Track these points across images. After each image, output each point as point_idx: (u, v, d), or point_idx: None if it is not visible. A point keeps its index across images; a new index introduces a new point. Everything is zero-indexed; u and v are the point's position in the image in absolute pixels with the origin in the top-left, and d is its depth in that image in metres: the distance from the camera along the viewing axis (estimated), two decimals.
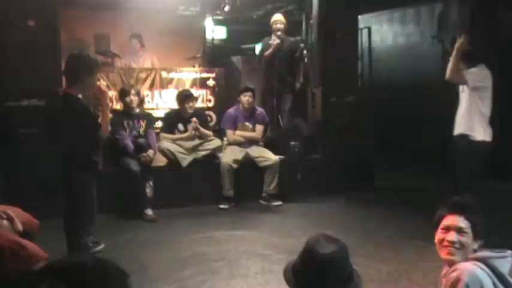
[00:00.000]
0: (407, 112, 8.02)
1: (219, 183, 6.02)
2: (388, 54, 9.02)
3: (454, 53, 4.68)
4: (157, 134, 6.22)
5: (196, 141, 6.16)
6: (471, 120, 4.65)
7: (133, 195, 5.53)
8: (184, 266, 4.07)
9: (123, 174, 5.55)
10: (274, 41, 6.82)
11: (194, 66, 7.98)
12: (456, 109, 4.82)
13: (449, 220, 2.20)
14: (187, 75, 7.41)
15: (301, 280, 1.73)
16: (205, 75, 7.49)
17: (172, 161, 6.01)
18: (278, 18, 7.00)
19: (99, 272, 1.23)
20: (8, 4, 5.39)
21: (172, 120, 6.27)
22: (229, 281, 3.80)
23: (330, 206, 6.06)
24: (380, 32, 9.19)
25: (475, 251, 2.15)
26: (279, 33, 6.85)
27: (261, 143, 6.50)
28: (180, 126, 6.23)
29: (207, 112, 7.16)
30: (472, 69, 4.64)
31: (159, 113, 6.85)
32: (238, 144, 6.33)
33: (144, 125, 5.91)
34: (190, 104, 6.23)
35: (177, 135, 6.19)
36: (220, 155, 6.28)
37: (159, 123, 6.58)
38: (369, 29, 9.17)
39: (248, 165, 6.18)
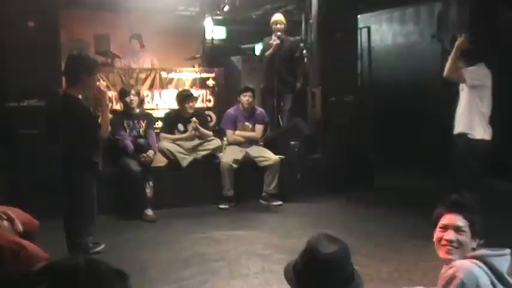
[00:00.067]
0: (407, 111, 8.02)
1: (219, 183, 6.02)
2: (388, 53, 9.01)
3: (453, 51, 4.69)
4: (157, 134, 6.22)
5: (196, 141, 6.16)
6: (471, 119, 4.66)
7: (134, 196, 5.53)
8: (185, 266, 4.08)
9: (123, 175, 5.55)
10: (274, 41, 6.83)
11: (194, 67, 7.98)
12: (456, 108, 4.83)
13: (448, 219, 2.20)
14: (187, 75, 7.41)
15: (303, 280, 1.73)
16: (205, 75, 7.49)
17: (172, 161, 6.01)
18: (278, 18, 7.00)
19: (91, 273, 1.24)
20: (8, 4, 5.39)
21: (172, 121, 6.28)
22: (229, 281, 3.80)
23: (330, 206, 6.06)
24: (379, 31, 9.19)
25: (473, 249, 2.15)
26: (279, 33, 6.86)
27: (261, 143, 6.50)
28: (180, 127, 6.24)
29: (206, 112, 7.17)
30: (471, 68, 4.65)
31: (159, 113, 6.85)
32: (238, 144, 6.33)
33: (144, 125, 5.91)
34: (190, 104, 6.24)
35: (177, 135, 6.19)
36: (220, 155, 6.28)
37: (159, 124, 6.58)
38: (369, 28, 9.16)
39: (248, 165, 6.19)
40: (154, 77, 7.18)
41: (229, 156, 6.12)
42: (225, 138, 6.47)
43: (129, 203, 5.53)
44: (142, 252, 4.48)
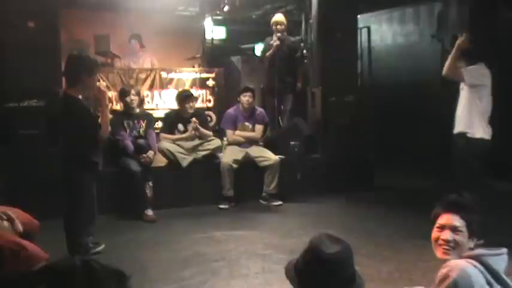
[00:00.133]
0: (407, 111, 8.02)
1: (219, 183, 6.02)
2: (388, 53, 9.01)
3: (453, 50, 4.70)
4: (158, 134, 6.22)
5: (196, 142, 6.16)
6: (470, 118, 4.66)
7: (134, 196, 5.53)
8: (185, 266, 4.07)
9: (123, 175, 5.56)
10: (275, 42, 6.83)
11: (194, 67, 7.98)
12: (456, 108, 4.83)
13: (445, 219, 2.21)
14: (187, 75, 7.41)
15: (304, 279, 1.73)
16: (204, 75, 7.49)
17: (172, 161, 6.01)
18: (279, 19, 6.99)
19: (88, 274, 1.25)
20: (8, 4, 5.39)
21: (172, 121, 6.28)
22: (229, 281, 3.80)
23: (330, 206, 6.06)
24: (379, 31, 9.19)
25: (471, 249, 2.15)
26: (279, 34, 6.86)
27: (261, 143, 6.51)
28: (180, 127, 6.24)
29: (206, 112, 7.17)
30: (470, 67, 4.65)
31: (159, 114, 6.85)
32: (238, 144, 6.33)
33: (144, 125, 5.91)
34: (191, 104, 6.24)
35: (177, 136, 6.19)
36: (220, 155, 6.28)
37: (159, 124, 6.58)
38: (369, 28, 9.16)
39: (248, 165, 6.19)
40: (154, 77, 7.18)
41: (229, 156, 6.13)
42: (225, 138, 6.47)
43: (129, 203, 5.53)
44: (142, 253, 4.48)
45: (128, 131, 5.81)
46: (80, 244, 4.13)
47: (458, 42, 4.68)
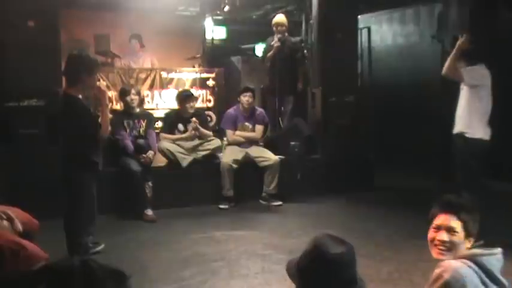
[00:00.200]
0: (407, 112, 8.02)
1: (219, 183, 6.02)
2: (388, 54, 9.01)
3: (453, 51, 4.70)
4: (158, 134, 6.22)
5: (196, 141, 6.16)
6: (470, 118, 4.66)
7: (134, 196, 5.53)
8: (184, 266, 4.07)
9: (123, 174, 5.56)
10: (275, 43, 6.83)
11: (194, 67, 7.98)
12: (456, 107, 4.83)
13: (441, 219, 2.20)
14: (187, 75, 7.41)
15: (306, 277, 1.72)
16: (205, 75, 7.49)
17: (172, 161, 6.01)
18: (280, 21, 6.97)
19: (85, 274, 1.26)
20: (8, 4, 5.38)
21: (173, 121, 6.28)
22: (229, 281, 3.80)
23: (330, 206, 6.06)
24: (380, 31, 9.19)
25: (468, 249, 2.15)
26: (279, 35, 6.85)
27: (261, 143, 6.51)
28: (180, 127, 6.24)
29: (206, 112, 7.17)
30: (470, 67, 4.65)
31: (159, 113, 6.85)
32: (238, 144, 6.33)
33: (144, 124, 5.91)
34: (191, 104, 6.24)
35: (177, 136, 6.19)
36: (220, 155, 6.28)
37: (159, 124, 6.58)
38: (369, 29, 9.16)
39: (248, 165, 6.19)
40: (154, 77, 7.18)
41: (229, 156, 6.12)
42: (225, 139, 6.47)
43: (129, 203, 5.53)
44: (142, 252, 4.48)
45: (127, 130, 5.81)
46: (80, 244, 4.13)
47: (458, 43, 4.68)
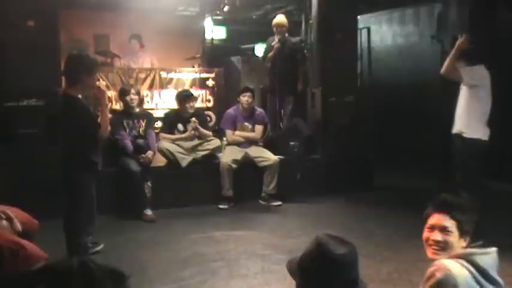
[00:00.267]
0: (406, 112, 8.02)
1: (219, 183, 6.02)
2: (388, 54, 9.02)
3: (453, 51, 4.70)
4: (157, 134, 6.22)
5: (196, 141, 6.16)
6: (469, 119, 4.66)
7: (133, 196, 5.53)
8: (184, 266, 4.07)
9: (122, 174, 5.56)
10: (276, 44, 6.83)
11: (193, 67, 7.98)
12: (455, 107, 4.83)
13: (435, 219, 2.20)
14: (187, 75, 7.41)
15: (307, 275, 1.72)
16: (204, 75, 7.49)
17: (172, 161, 6.01)
18: (280, 21, 6.95)
19: (84, 274, 1.26)
20: (8, 4, 5.38)
21: (172, 121, 6.28)
22: (229, 281, 3.80)
23: (330, 206, 6.06)
24: (379, 32, 9.19)
25: (463, 249, 2.15)
26: (279, 36, 6.85)
27: (261, 143, 6.50)
28: (180, 127, 6.23)
29: (206, 112, 7.17)
30: (469, 67, 4.65)
31: (159, 113, 6.85)
32: (238, 144, 6.33)
33: (143, 124, 5.91)
34: (191, 104, 6.24)
35: (177, 135, 6.19)
36: (220, 155, 6.28)
37: (158, 124, 6.58)
38: (368, 29, 9.16)
39: (247, 165, 6.18)
40: (154, 77, 7.18)
41: (229, 156, 6.12)
42: (224, 139, 6.47)
43: (128, 203, 5.52)
44: (141, 253, 4.48)
45: (127, 130, 5.81)
46: (79, 244, 4.13)
47: (458, 43, 4.68)
